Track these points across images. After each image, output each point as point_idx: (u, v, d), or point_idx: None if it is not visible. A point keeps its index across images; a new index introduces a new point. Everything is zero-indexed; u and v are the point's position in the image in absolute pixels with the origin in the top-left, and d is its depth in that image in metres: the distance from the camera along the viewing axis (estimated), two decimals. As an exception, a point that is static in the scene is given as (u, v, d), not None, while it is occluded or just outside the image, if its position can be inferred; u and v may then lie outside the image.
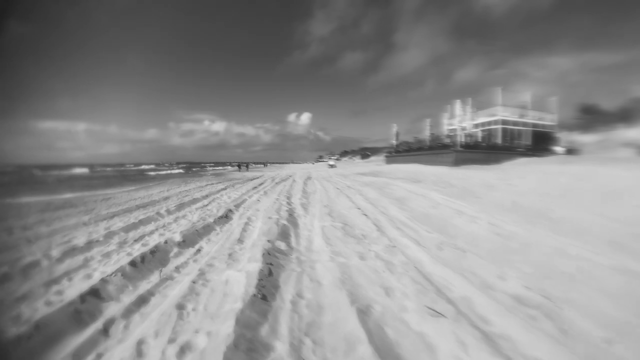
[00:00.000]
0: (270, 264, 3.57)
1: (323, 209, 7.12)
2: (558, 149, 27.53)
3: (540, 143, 28.08)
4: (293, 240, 4.83)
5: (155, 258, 4.33)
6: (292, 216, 6.50)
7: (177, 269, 4.02)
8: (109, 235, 5.67)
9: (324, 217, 6.26)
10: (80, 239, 5.52)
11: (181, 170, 51.41)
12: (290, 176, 22.99)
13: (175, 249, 4.70)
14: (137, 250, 4.72)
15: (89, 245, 5.15)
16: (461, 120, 27.65)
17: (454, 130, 29.24)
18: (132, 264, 4.01)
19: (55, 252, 4.77)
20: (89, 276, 3.90)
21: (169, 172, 45.76)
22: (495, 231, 5.16)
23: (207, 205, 8.79)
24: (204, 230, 5.68)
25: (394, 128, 39.93)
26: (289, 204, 8.18)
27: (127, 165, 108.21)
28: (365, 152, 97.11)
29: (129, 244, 5.13)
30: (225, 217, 6.90)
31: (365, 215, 6.27)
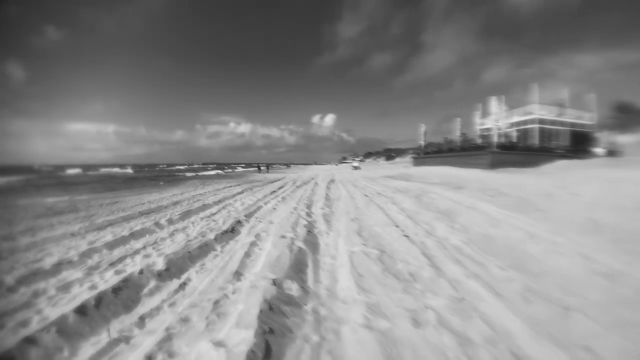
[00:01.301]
0: (270, 330, 2.26)
1: (350, 224, 5.76)
2: (598, 150, 24.98)
3: (579, 144, 25.56)
4: (310, 275, 3.51)
5: (118, 298, 3.15)
6: (311, 233, 5.19)
7: (142, 320, 2.79)
8: (87, 254, 4.61)
9: (352, 237, 4.91)
10: (53, 257, 4.53)
11: (219, 171, 51.98)
12: (312, 179, 21.71)
13: (153, 283, 3.50)
14: (105, 281, 3.59)
15: (57, 267, 4.12)
16: (496, 119, 25.48)
17: (488, 129, 27.03)
18: (81, 310, 2.84)
19: (12, 277, 3.78)
20: (24, 324, 2.78)
21: (206, 173, 45.86)
22: (591, 267, 3.64)
23: (215, 214, 7.63)
24: (199, 252, 4.47)
25: (422, 128, 37.74)
26: (308, 215, 6.88)
27: (161, 166, 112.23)
28: (390, 154, 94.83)
29: (102, 269, 4.01)
30: (231, 231, 5.69)
31: (407, 236, 4.86)
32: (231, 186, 16.52)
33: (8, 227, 6.69)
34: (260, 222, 6.57)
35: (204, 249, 4.62)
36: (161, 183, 23.57)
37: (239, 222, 6.41)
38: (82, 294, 3.28)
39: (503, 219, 5.78)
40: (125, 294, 3.24)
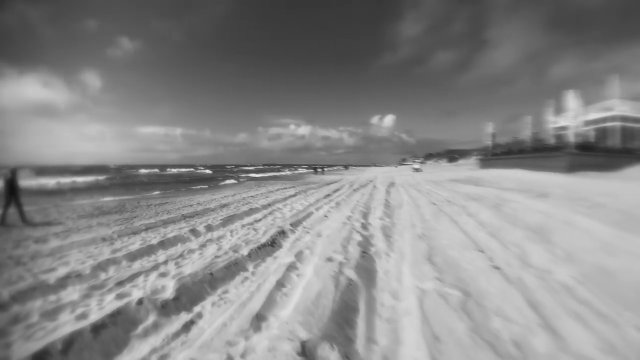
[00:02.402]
0: None
1: (417, 244, 4.50)
2: None
3: None
4: (360, 326, 2.38)
5: (99, 340, 2.32)
6: (366, 255, 4.03)
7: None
8: (103, 266, 3.99)
9: (420, 264, 3.67)
10: (67, 267, 4.06)
11: (287, 171, 56.74)
12: (370, 181, 20.35)
13: (151, 318, 2.64)
14: (100, 308, 2.84)
15: (61, 282, 3.57)
16: (572, 117, 21.91)
17: (562, 128, 23.37)
18: (41, 357, 2.05)
19: (11, 291, 3.26)
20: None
21: (277, 173, 48.02)
22: None
23: (259, 220, 6.82)
24: (225, 274, 3.57)
25: (490, 127, 34.21)
26: (364, 227, 5.71)
27: (228, 167, 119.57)
28: (452, 155, 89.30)
29: (105, 289, 3.29)
30: (271, 244, 4.77)
31: (497, 268, 3.50)
32: (285, 188, 15.90)
33: (48, 227, 6.51)
34: (307, 233, 5.58)
35: (232, 269, 3.72)
36: (233, 181, 24.10)
37: (282, 232, 5.49)
38: (64, 326, 2.54)
39: (616, 243, 4.11)
40: (110, 334, 2.41)
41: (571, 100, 22.10)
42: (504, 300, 2.76)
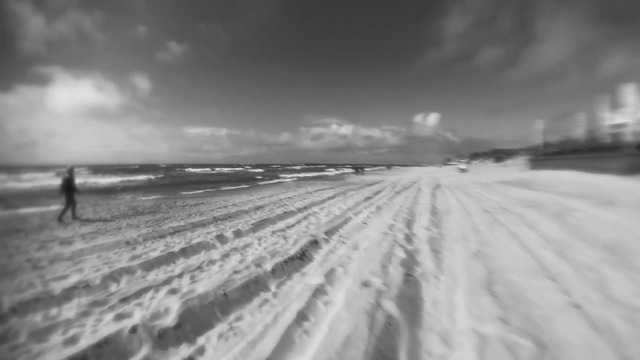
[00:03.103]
0: None
1: (473, 266, 3.69)
2: None
3: None
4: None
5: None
6: (410, 279, 3.33)
7: None
8: (115, 276, 3.71)
9: (477, 295, 2.90)
10: (79, 275, 3.85)
11: (335, 170, 61.84)
12: (414, 183, 19.23)
13: (143, 352, 2.18)
14: (93, 331, 2.47)
15: (67, 293, 3.32)
16: (631, 113, 19.31)
17: (620, 126, 20.63)
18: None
19: (13, 301, 3.04)
20: None
21: (326, 173, 49.88)
22: None
23: (292, 226, 6.30)
24: (241, 294, 3.07)
25: (540, 125, 31.31)
26: (408, 239, 4.97)
27: (272, 166, 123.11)
28: (499, 155, 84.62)
29: (107, 306, 2.94)
30: (300, 257, 4.22)
31: (577, 306, 2.64)
32: (324, 189, 15.36)
33: (78, 228, 6.47)
34: (343, 243, 4.97)
35: (251, 288, 3.21)
36: (276, 180, 24.19)
37: (315, 242, 4.93)
38: (49, 352, 2.21)
39: None
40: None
41: (630, 94, 19.55)
42: (590, 358, 1.98)
